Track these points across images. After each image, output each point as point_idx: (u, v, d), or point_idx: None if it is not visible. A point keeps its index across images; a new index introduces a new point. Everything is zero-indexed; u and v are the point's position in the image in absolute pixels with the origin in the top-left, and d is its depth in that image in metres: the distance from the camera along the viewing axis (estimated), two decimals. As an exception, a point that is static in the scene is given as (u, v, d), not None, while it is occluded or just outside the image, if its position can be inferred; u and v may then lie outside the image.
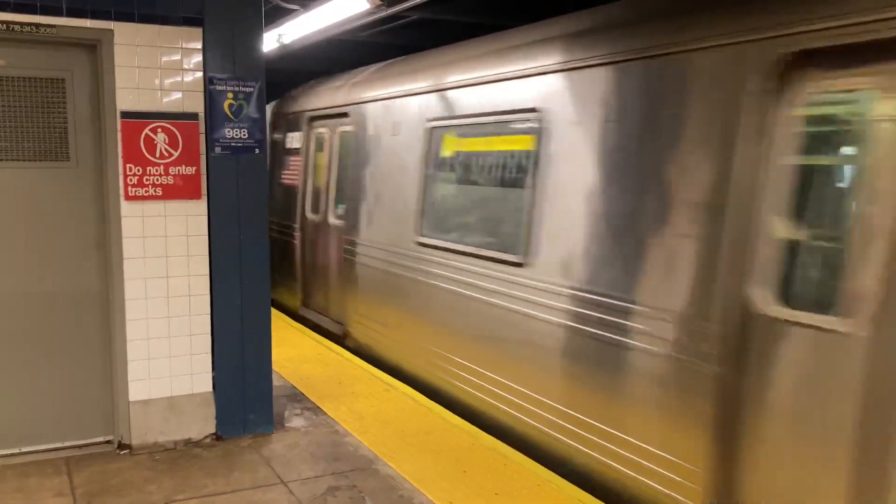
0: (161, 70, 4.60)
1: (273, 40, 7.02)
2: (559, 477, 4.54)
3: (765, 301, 3.43)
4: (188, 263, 4.78)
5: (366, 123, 7.21)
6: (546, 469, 4.65)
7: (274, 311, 9.16)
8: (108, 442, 4.79)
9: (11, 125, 4.39)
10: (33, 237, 4.52)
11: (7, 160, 4.41)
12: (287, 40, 6.97)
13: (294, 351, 7.31)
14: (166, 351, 4.79)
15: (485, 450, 4.94)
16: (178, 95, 4.66)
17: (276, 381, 6.20)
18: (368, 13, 6.48)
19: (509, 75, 5.26)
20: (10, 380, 4.55)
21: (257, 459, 4.71)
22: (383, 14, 6.57)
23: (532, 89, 5.02)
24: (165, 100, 4.62)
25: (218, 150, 4.77)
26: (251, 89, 4.82)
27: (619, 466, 4.15)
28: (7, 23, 4.20)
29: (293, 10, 6.36)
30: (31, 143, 4.45)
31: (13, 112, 4.38)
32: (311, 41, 7.78)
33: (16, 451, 4.58)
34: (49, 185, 4.52)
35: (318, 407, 5.69)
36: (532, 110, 4.98)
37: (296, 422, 5.38)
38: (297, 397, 5.90)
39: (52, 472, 4.43)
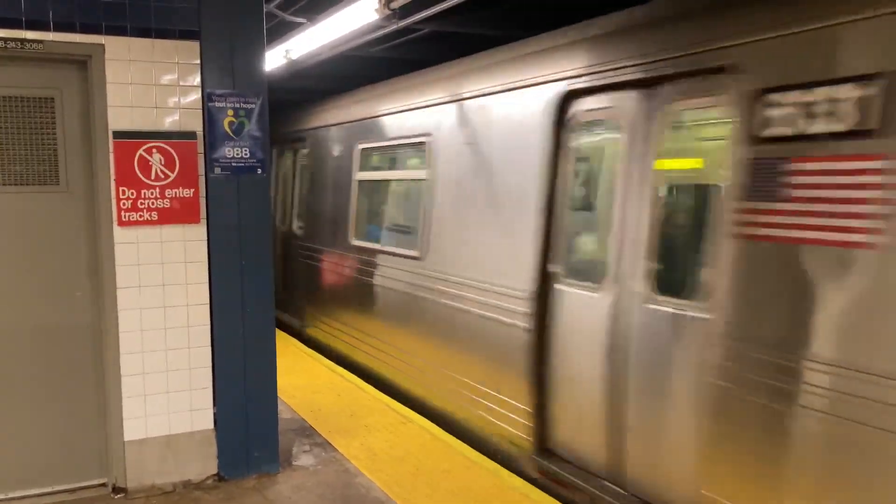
0: (156, 87, 4.31)
1: (280, 56, 6.75)
2: (590, 523, 4.12)
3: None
4: (187, 292, 4.47)
5: None
6: (575, 514, 4.25)
7: (282, 335, 8.89)
8: (102, 485, 4.46)
9: (-3, 147, 4.12)
10: (21, 267, 4.22)
11: (-8, 185, 4.13)
12: (295, 55, 6.70)
13: (305, 379, 6.97)
14: (164, 386, 4.46)
15: (508, 490, 4.56)
16: (175, 113, 4.37)
17: (284, 414, 5.88)
18: (378, 26, 6.19)
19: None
20: (-3, 420, 4.24)
21: (260, 503, 4.36)
22: (394, 28, 6.29)
23: None
24: (161, 118, 4.33)
25: (217, 170, 4.47)
26: (252, 106, 4.52)
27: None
28: (-10, 38, 3.93)
29: (300, 24, 6.08)
30: (18, 167, 4.17)
31: (-1, 133, 4.11)
32: (322, 57, 7.51)
33: (3, 496, 4.26)
34: (38, 211, 4.23)
35: (329, 442, 5.33)
36: None
37: (304, 459, 5.02)
38: (306, 431, 5.55)
39: (41, 520, 4.12)
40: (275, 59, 6.96)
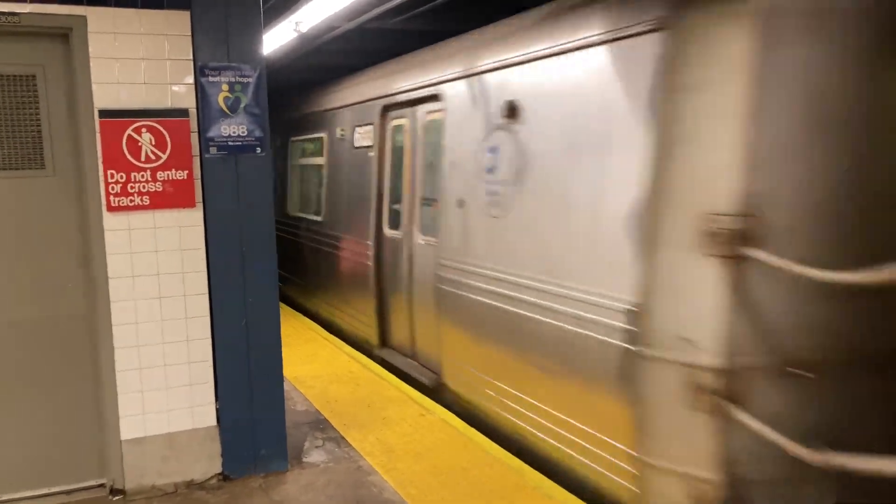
0: (144, 61, 4.00)
1: (290, 29, 6.41)
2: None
3: None
4: (183, 281, 4.19)
5: None
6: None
7: (305, 322, 8.62)
8: (100, 486, 4.23)
9: (-23, 130, 3.86)
10: (7, 257, 3.97)
11: (-26, 170, 3.88)
12: (305, 28, 6.35)
13: (324, 368, 6.69)
14: (162, 382, 4.20)
15: (530, 490, 4.21)
16: (165, 90, 4.06)
17: (299, 406, 5.62)
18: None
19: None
20: (-12, 418, 4.03)
21: (266, 506, 4.09)
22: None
23: None
24: (150, 95, 4.03)
25: (213, 150, 4.16)
26: (249, 79, 4.19)
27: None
28: (-39, 12, 3.66)
29: (307, -7, 5.73)
30: None
31: (-22, 115, 3.85)
32: (336, 32, 7.15)
33: (-3, 498, 4.06)
34: (22, 198, 3.97)
35: (343, 437, 5.04)
36: None
37: (315, 456, 4.74)
38: (319, 425, 5.27)
39: (34, 524, 3.90)
40: (284, 33, 6.62)
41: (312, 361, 6.91)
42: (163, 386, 4.20)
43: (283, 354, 4.51)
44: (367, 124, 7.27)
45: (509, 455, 4.72)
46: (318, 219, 8.59)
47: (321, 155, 8.60)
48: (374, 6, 6.32)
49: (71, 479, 4.18)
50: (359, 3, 5.77)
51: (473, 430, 5.13)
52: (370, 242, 7.03)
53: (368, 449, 4.83)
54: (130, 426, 4.16)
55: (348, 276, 7.69)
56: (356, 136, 7.54)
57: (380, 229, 6.96)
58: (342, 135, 7.91)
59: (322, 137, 8.57)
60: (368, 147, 7.19)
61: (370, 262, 7.05)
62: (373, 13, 6.54)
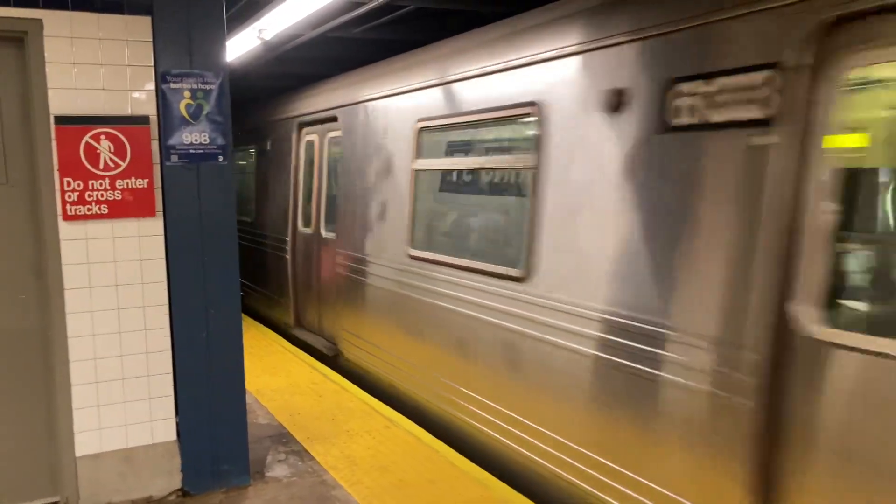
0: (103, 67, 3.91)
1: (253, 37, 6.33)
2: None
3: None
4: (143, 293, 4.08)
5: None
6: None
7: (266, 333, 8.49)
8: (54, 504, 4.10)
9: (-74, 136, 3.73)
10: (-44, 267, 3.84)
11: (-78, 177, 3.74)
12: (269, 35, 6.28)
13: (285, 380, 6.59)
14: (119, 396, 4.08)
15: (497, 502, 4.18)
16: (125, 96, 3.96)
17: (261, 419, 5.51)
18: (357, 2, 5.78)
19: None
20: (-65, 435, 3.87)
21: (227, 522, 4.00)
22: (376, 4, 5.87)
23: None
24: (109, 102, 3.93)
25: (174, 158, 4.07)
26: (212, 87, 4.11)
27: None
28: (-90, 13, 3.53)
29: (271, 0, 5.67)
30: (-50, 157, 3.78)
31: (-72, 120, 3.72)
32: (301, 40, 7.09)
33: (-57, 518, 3.90)
34: (-26, 206, 3.85)
35: (306, 450, 4.95)
36: None
37: (278, 470, 4.65)
38: (282, 438, 5.18)
39: (-17, 545, 3.75)
40: (248, 40, 6.54)
41: (274, 373, 6.80)
42: (120, 400, 4.09)
43: (245, 366, 4.43)
44: (739, 70, 3.05)
45: (476, 467, 4.68)
46: (514, 273, 4.50)
47: (529, 148, 4.45)
48: (337, 14, 6.28)
49: (23, 496, 4.03)
50: (320, 7, 5.69)
51: (439, 442, 5.09)
52: (758, 350, 2.94)
53: (332, 462, 4.75)
54: (86, 442, 4.04)
55: (637, 408, 3.59)
56: (676, 101, 3.38)
57: (785, 324, 2.88)
58: (623, 100, 3.68)
59: (531, 114, 4.40)
60: (743, 124, 3.05)
61: (749, 402, 2.98)
62: (335, 22, 6.51)
